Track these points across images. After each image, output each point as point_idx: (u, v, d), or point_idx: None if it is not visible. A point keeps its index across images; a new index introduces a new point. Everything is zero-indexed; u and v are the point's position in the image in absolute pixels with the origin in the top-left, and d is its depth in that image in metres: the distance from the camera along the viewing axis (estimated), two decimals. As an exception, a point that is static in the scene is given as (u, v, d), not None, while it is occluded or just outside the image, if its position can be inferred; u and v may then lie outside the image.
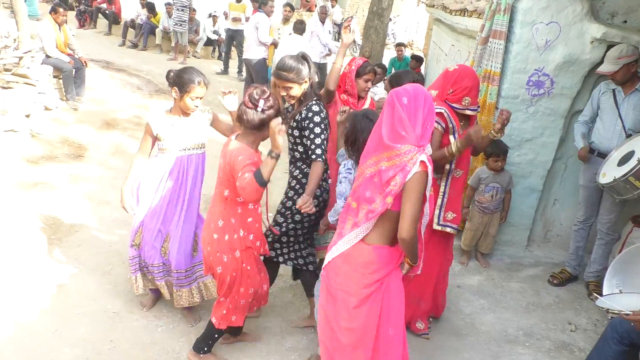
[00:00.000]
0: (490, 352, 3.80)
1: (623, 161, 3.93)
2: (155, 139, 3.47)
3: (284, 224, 3.48)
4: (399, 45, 11.61)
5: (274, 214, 3.58)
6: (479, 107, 3.58)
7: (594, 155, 4.40)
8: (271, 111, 2.93)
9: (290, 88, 3.26)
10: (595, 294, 4.49)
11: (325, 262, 2.70)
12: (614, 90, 4.30)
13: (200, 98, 3.41)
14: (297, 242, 3.56)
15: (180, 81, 3.33)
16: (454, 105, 3.48)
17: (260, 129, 2.96)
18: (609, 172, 3.99)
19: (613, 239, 4.51)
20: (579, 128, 4.56)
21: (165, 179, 3.49)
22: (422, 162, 2.40)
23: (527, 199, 5.03)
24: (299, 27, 8.61)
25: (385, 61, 11.05)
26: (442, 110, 3.42)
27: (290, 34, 8.84)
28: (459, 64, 3.66)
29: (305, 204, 3.06)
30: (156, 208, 3.53)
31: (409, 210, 2.41)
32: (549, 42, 4.50)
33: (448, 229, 3.63)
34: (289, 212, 3.46)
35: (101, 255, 4.43)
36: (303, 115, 3.28)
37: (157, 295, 3.88)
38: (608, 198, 4.35)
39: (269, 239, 3.51)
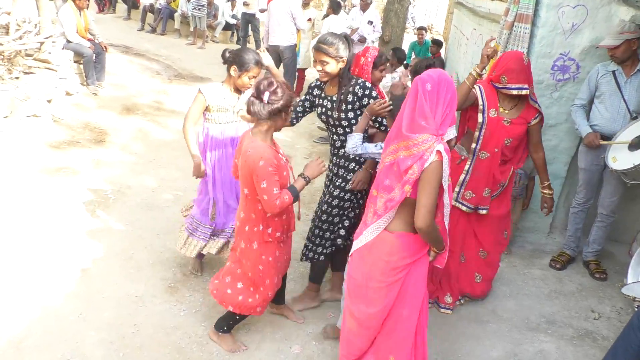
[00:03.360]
0: (511, 339, 3.77)
1: (636, 146, 3.87)
2: (206, 109, 3.70)
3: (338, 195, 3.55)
4: (420, 29, 11.49)
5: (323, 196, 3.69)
6: (523, 89, 3.58)
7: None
8: (278, 103, 2.88)
9: (327, 63, 3.30)
10: (598, 274, 4.55)
11: (352, 251, 2.73)
12: (613, 72, 4.23)
13: (255, 77, 3.60)
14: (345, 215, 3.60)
15: (240, 60, 3.57)
16: (496, 84, 3.68)
17: (270, 118, 2.93)
18: (621, 157, 3.93)
19: (614, 221, 4.51)
20: (580, 113, 4.43)
21: (215, 148, 3.77)
22: (438, 151, 2.40)
23: (550, 185, 4.95)
24: (336, 7, 9.08)
25: (405, 45, 10.94)
26: (477, 86, 3.68)
27: (327, 15, 9.37)
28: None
29: (358, 181, 3.38)
30: (216, 179, 3.83)
31: (424, 199, 2.42)
32: (575, 25, 4.40)
33: (463, 207, 3.84)
34: (343, 182, 3.54)
35: (124, 240, 4.49)
36: (360, 94, 3.35)
37: (201, 258, 4.16)
38: (611, 181, 4.31)
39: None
